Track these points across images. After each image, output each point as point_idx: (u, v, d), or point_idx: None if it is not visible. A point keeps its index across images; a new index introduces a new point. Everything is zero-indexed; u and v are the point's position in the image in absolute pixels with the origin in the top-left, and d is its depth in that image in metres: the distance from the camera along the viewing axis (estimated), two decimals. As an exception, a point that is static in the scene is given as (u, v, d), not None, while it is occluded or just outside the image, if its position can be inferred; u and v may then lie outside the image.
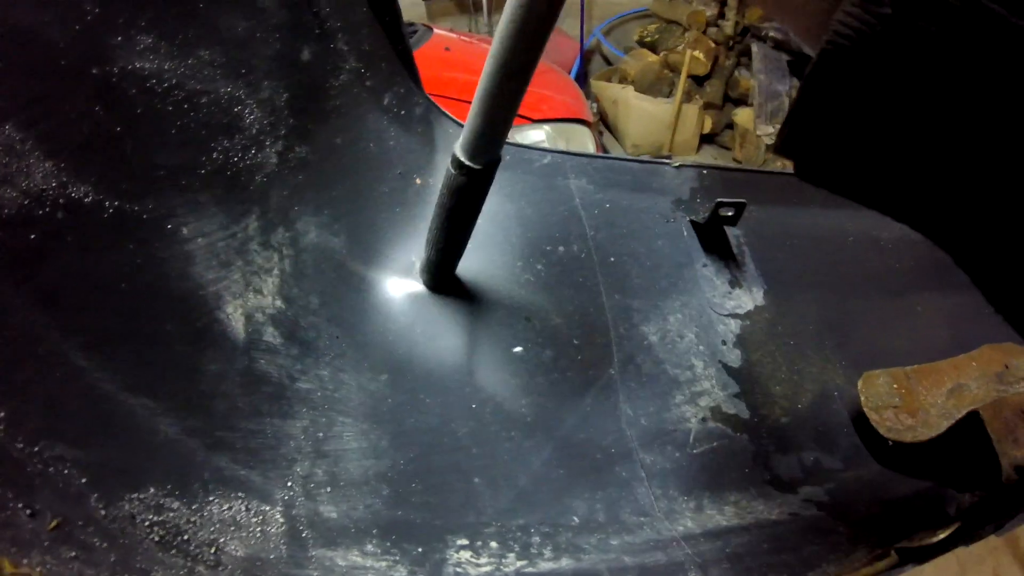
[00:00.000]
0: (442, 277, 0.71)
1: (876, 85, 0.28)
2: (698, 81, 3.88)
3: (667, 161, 0.88)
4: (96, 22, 0.50)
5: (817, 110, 0.30)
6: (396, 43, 0.81)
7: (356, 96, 0.75)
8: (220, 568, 0.45)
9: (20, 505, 0.37)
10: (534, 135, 2.06)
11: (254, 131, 0.60)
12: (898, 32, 0.26)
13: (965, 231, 0.32)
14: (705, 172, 0.89)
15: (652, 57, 3.97)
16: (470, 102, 0.54)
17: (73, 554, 0.38)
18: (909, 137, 0.29)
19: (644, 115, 3.71)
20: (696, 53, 3.73)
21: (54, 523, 0.38)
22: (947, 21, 0.25)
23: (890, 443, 0.69)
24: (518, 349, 0.71)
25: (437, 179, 0.81)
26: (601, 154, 0.95)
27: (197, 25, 0.56)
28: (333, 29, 0.70)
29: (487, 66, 0.50)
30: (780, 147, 0.33)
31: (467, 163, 0.57)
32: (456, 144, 0.58)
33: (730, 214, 0.81)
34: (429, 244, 0.67)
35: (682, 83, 3.72)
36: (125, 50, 0.51)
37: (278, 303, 0.58)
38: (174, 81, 0.54)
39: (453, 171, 0.58)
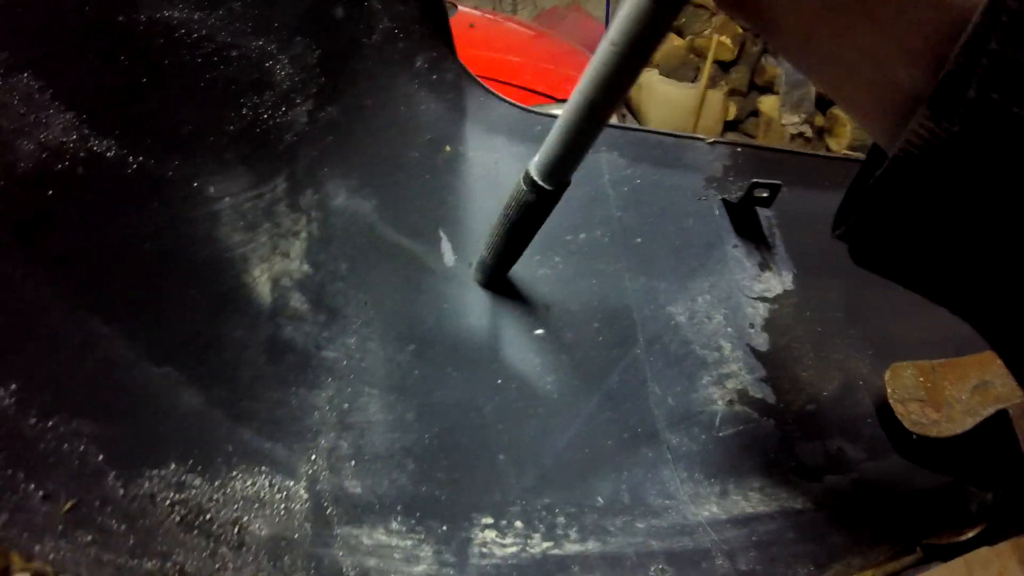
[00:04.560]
0: (495, 278, 0.72)
1: (943, 193, 0.30)
2: (724, 67, 3.80)
3: (701, 137, 0.86)
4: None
5: (883, 210, 0.32)
6: (430, 6, 0.78)
7: (388, 58, 0.72)
8: (243, 548, 0.43)
9: (32, 487, 0.35)
10: (557, 113, 2.03)
11: (284, 88, 0.58)
12: (966, 149, 0.27)
13: (1011, 327, 0.35)
14: (739, 150, 0.87)
15: (678, 41, 3.89)
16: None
17: (90, 538, 0.36)
18: (970, 242, 0.31)
19: (668, 100, 3.67)
20: (723, 38, 3.66)
21: (69, 505, 0.36)
22: (1012, 145, 0.27)
23: (914, 436, 0.68)
24: (539, 332, 0.70)
25: (467, 147, 0.79)
26: (634, 126, 0.92)
27: (228, -26, 0.54)
28: (367, -13, 0.68)
29: (572, 100, 0.52)
30: (835, 231, 0.37)
31: (539, 183, 0.58)
32: (531, 162, 0.58)
33: (765, 195, 0.79)
34: (488, 248, 0.67)
35: (707, 68, 3.66)
36: (152, -3, 0.48)
37: (305, 267, 0.56)
38: (203, 32, 0.51)
39: (524, 187, 0.59)
